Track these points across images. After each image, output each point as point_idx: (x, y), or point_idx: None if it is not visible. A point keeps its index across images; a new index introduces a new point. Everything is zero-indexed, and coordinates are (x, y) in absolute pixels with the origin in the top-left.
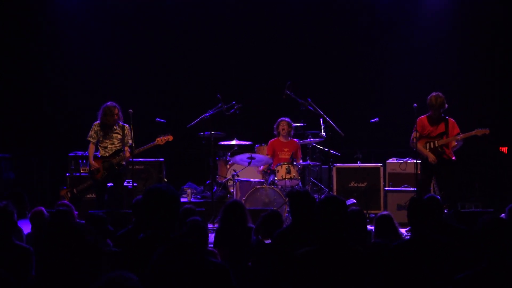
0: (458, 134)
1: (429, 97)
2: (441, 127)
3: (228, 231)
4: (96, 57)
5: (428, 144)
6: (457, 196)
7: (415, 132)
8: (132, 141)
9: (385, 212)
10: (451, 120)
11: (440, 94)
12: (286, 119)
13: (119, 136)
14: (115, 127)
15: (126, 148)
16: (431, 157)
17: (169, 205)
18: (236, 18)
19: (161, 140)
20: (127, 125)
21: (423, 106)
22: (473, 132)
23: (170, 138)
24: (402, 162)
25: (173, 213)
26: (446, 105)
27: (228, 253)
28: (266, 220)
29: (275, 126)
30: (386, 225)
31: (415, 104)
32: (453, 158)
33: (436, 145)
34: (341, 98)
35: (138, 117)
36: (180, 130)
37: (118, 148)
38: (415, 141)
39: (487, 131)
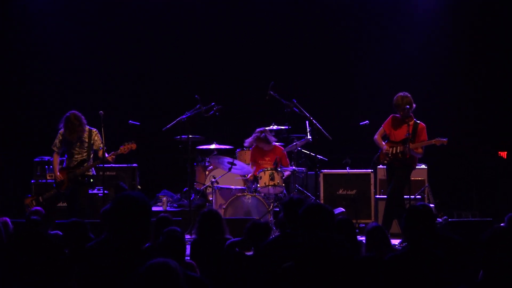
0: (422, 141)
1: (395, 97)
2: (403, 132)
3: (204, 242)
4: (65, 56)
5: (391, 149)
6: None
7: (382, 128)
8: (103, 144)
9: (375, 224)
10: (421, 124)
11: (406, 93)
12: (259, 133)
13: (86, 144)
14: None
15: (101, 152)
16: (385, 148)
17: (140, 214)
18: (217, 15)
19: (124, 149)
20: (94, 129)
21: (417, 108)
22: (432, 141)
23: (133, 146)
24: None
25: (144, 223)
26: (414, 105)
27: (205, 265)
28: (253, 231)
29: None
30: (378, 237)
31: (407, 106)
32: (414, 167)
33: (398, 150)
34: (329, 99)
35: (109, 119)
36: (156, 133)
37: (84, 157)
38: (377, 138)
39: (445, 141)
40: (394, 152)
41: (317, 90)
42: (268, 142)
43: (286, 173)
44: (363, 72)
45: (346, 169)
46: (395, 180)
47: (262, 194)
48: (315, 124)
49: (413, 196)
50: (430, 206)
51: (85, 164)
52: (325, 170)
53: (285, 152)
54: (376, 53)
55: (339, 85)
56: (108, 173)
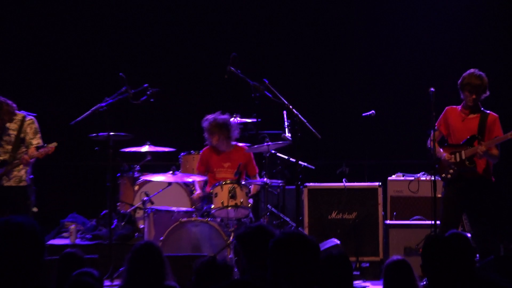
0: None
1: (467, 75)
2: (473, 126)
3: None
4: None
5: (453, 156)
6: (499, 234)
7: (436, 128)
8: (38, 140)
9: (398, 257)
10: (492, 115)
11: (481, 73)
12: (220, 117)
13: (12, 138)
14: (7, 125)
15: (32, 149)
16: (445, 156)
17: (25, 250)
18: None
19: (43, 152)
20: (30, 117)
21: (444, 92)
22: (508, 135)
23: (50, 150)
24: (412, 179)
25: (31, 264)
26: (488, 92)
27: None
28: (204, 273)
29: (205, 130)
30: (401, 277)
31: (432, 89)
32: (491, 178)
33: (463, 157)
34: (317, 81)
35: None
36: (61, 129)
37: (6, 157)
38: (432, 143)
39: None
40: (458, 160)
41: (300, 67)
42: (227, 138)
43: (254, 188)
44: (368, 48)
45: (343, 182)
46: (478, 210)
47: (218, 220)
48: (296, 115)
49: (438, 222)
50: (466, 236)
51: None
52: (311, 184)
53: (252, 156)
54: (385, 21)
55: (333, 61)
56: None
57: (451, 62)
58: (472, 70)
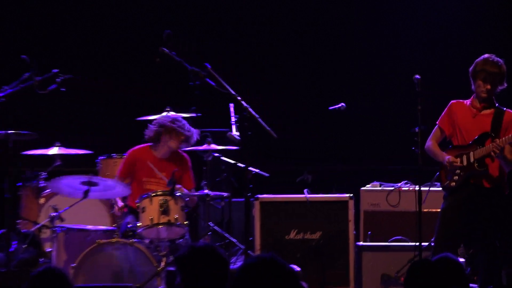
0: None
1: (477, 61)
2: (486, 124)
3: None
4: None
5: (460, 159)
6: (501, 259)
7: (437, 128)
8: None
9: None
10: (510, 112)
11: (499, 59)
12: (178, 122)
13: None
14: None
15: None
16: (448, 159)
17: None
18: None
19: None
20: None
21: (432, 81)
22: None
23: None
24: (392, 190)
25: None
26: (506, 84)
27: None
28: None
29: (153, 128)
30: None
31: (417, 76)
32: (505, 188)
33: (472, 159)
34: (273, 67)
35: None
36: None
37: None
38: (431, 145)
39: None
40: (465, 163)
41: (252, 51)
42: (187, 142)
43: (191, 200)
44: (339, 34)
45: (304, 194)
46: (486, 222)
47: (147, 241)
48: (246, 109)
49: (425, 244)
50: (458, 261)
51: None
52: (264, 195)
53: (189, 161)
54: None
55: (294, 43)
56: None
57: (434, 52)
58: (487, 55)
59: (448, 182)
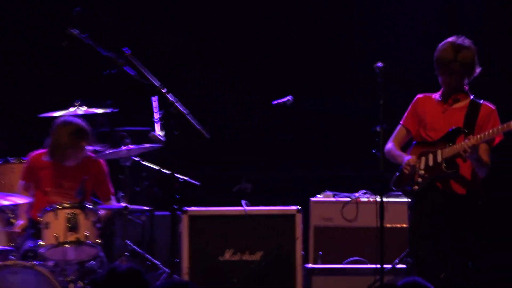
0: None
1: (438, 47)
2: (457, 119)
3: None
4: None
5: (424, 158)
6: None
7: (401, 127)
8: None
9: None
10: (487, 106)
11: (465, 41)
12: (73, 121)
13: None
14: None
15: None
16: (408, 160)
17: None
18: None
19: None
20: None
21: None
22: (505, 127)
23: None
24: (348, 201)
25: None
26: (478, 68)
27: None
28: None
29: (50, 142)
30: None
31: (379, 64)
32: (480, 196)
33: (439, 159)
34: (206, 54)
35: None
36: None
37: None
38: (391, 147)
39: None
40: (431, 163)
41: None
42: (89, 143)
43: (105, 214)
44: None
45: (243, 205)
46: (452, 233)
47: (51, 263)
48: (172, 103)
49: (388, 266)
50: (428, 286)
51: None
52: (193, 208)
53: (104, 165)
54: None
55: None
56: None
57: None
58: (451, 39)
59: (409, 184)
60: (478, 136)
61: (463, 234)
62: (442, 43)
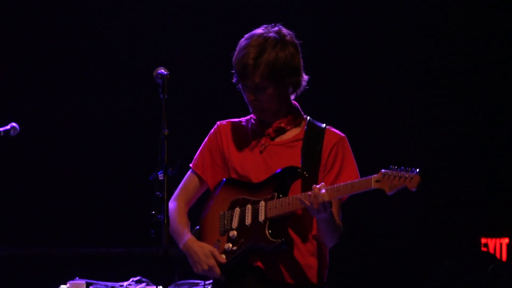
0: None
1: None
2: (289, 157)
3: None
4: None
5: (239, 210)
6: None
7: (190, 174)
8: None
9: None
10: (335, 133)
11: (276, 34)
12: None
13: None
14: None
15: None
16: (208, 262)
17: None
18: None
19: None
20: None
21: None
22: (365, 182)
23: None
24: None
25: None
26: (304, 77)
27: None
28: None
29: None
30: None
31: (161, 71)
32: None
33: (261, 216)
34: None
35: None
36: None
37: None
38: (175, 208)
39: (416, 178)
40: (249, 222)
41: None
42: None
43: None
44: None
45: None
46: None
47: None
48: None
49: None
50: None
51: None
52: None
53: None
54: None
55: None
56: None
57: None
58: (260, 31)
59: (201, 269)
60: (332, 188)
61: None
62: (247, 36)
